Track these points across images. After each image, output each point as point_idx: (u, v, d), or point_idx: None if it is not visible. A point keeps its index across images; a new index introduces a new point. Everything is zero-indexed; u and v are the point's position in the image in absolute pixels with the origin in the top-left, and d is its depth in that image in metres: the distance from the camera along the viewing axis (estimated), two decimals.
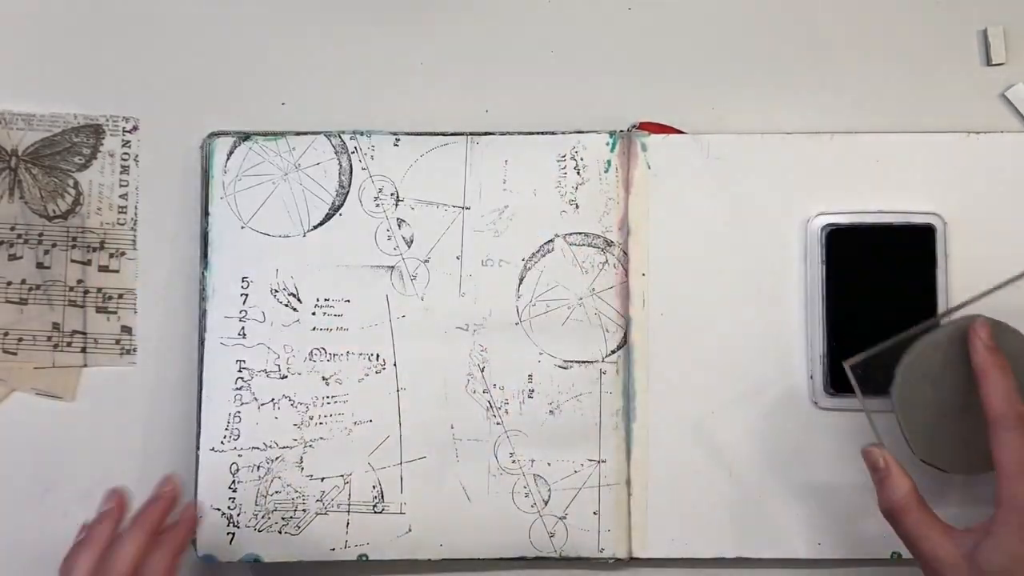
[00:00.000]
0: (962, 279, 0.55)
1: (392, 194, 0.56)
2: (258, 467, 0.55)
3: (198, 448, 0.55)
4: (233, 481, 0.54)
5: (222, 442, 0.55)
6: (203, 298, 0.55)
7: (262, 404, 0.55)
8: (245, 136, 0.56)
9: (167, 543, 0.48)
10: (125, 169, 0.58)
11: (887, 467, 0.48)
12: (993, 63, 0.58)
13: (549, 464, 0.55)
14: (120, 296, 0.57)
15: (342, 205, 0.56)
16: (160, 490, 0.50)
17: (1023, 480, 0.46)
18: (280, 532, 0.55)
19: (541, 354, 0.55)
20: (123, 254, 0.57)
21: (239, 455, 0.55)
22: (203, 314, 0.55)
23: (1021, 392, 0.48)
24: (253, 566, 0.55)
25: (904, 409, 0.50)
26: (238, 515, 0.54)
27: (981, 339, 0.49)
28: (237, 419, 0.55)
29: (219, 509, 0.54)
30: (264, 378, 0.55)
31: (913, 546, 0.48)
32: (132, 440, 0.56)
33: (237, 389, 0.55)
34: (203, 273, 0.56)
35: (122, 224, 0.58)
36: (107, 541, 0.47)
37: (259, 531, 0.54)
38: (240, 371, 0.55)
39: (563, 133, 0.56)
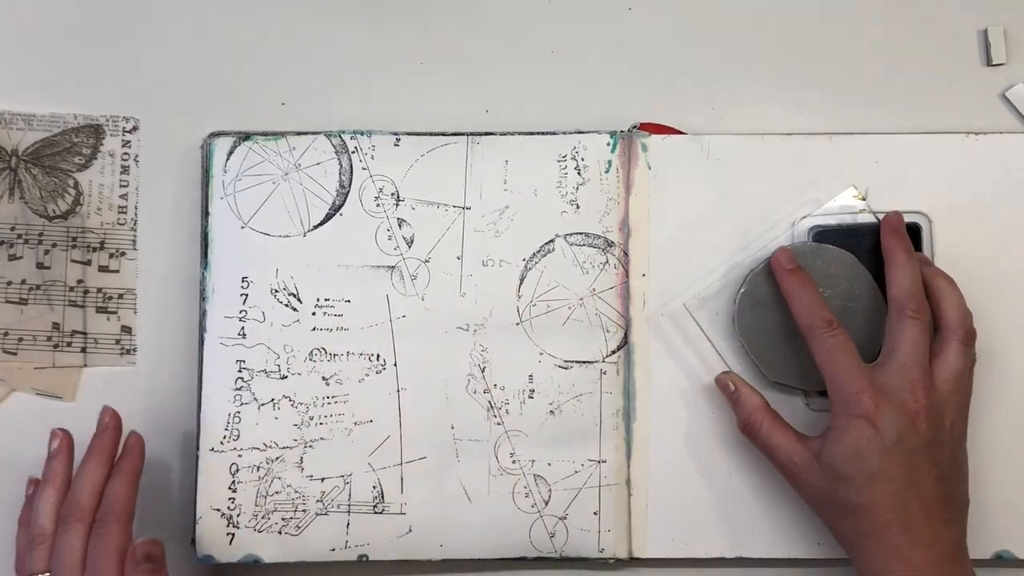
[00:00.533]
0: (965, 277, 0.55)
1: (392, 194, 0.56)
2: (258, 467, 0.55)
3: (198, 448, 0.55)
4: (233, 481, 0.54)
5: (222, 442, 0.55)
6: (203, 298, 0.56)
7: (262, 404, 0.55)
8: (245, 136, 0.56)
9: (123, 470, 0.51)
10: (125, 169, 0.58)
11: (736, 388, 0.53)
12: (993, 63, 0.58)
13: (549, 464, 0.55)
14: (120, 296, 0.57)
15: (342, 205, 0.56)
16: (103, 420, 0.53)
17: (842, 380, 0.49)
18: (280, 533, 0.55)
19: (542, 354, 0.56)
20: (123, 254, 0.57)
21: (239, 455, 0.55)
22: (203, 314, 0.55)
23: (849, 298, 0.53)
24: (253, 567, 0.55)
25: (747, 335, 0.55)
26: (238, 516, 0.54)
27: (781, 264, 0.53)
28: (237, 419, 0.55)
29: (219, 510, 0.54)
30: (264, 378, 0.55)
31: (770, 455, 0.52)
32: None
33: (237, 389, 0.55)
34: (203, 273, 0.56)
35: (122, 224, 0.58)
36: (65, 476, 0.52)
37: (259, 532, 0.55)
38: (240, 371, 0.55)
39: (563, 133, 0.56)
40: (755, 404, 0.52)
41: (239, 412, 0.55)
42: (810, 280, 0.52)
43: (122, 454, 0.52)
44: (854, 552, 0.49)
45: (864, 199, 0.55)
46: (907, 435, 0.48)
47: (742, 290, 0.55)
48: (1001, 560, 0.55)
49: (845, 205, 0.55)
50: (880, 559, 0.48)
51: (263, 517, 0.55)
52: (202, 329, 0.56)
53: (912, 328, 0.50)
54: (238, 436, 0.55)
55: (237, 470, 0.55)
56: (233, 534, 0.54)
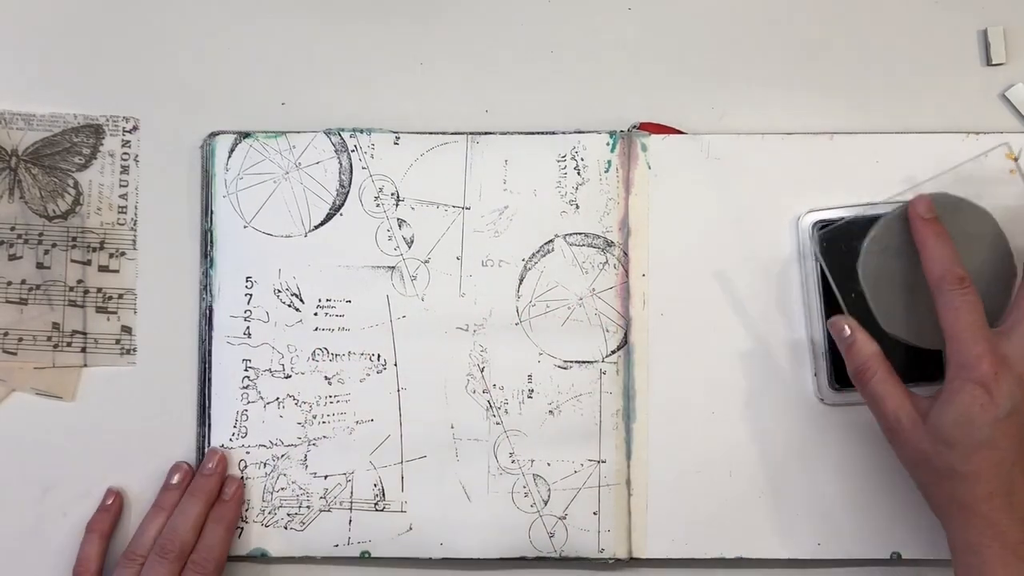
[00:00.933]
0: None
1: (392, 194, 0.56)
2: (265, 464, 0.56)
3: (208, 445, 0.56)
4: (242, 477, 0.55)
5: (231, 439, 0.56)
6: (209, 296, 0.56)
7: (268, 403, 0.56)
8: (246, 134, 0.56)
9: (225, 518, 0.54)
10: (125, 169, 0.58)
11: (852, 333, 0.51)
12: (993, 63, 0.58)
13: (549, 464, 0.55)
14: (120, 296, 0.57)
15: (343, 205, 0.56)
16: (209, 464, 0.55)
17: (964, 340, 0.47)
18: (286, 528, 0.55)
19: (541, 354, 0.56)
20: (123, 254, 0.58)
21: (247, 452, 0.55)
22: (209, 312, 0.56)
23: (980, 260, 0.51)
24: (261, 559, 0.56)
25: (870, 281, 0.52)
26: (246, 510, 0.56)
27: (918, 212, 0.50)
28: (244, 417, 0.56)
29: None
30: (269, 377, 0.56)
31: (876, 406, 0.50)
32: (132, 440, 0.57)
33: (244, 388, 0.56)
34: (208, 271, 0.56)
35: (122, 224, 0.58)
36: (172, 507, 0.54)
37: (266, 526, 0.55)
38: (247, 370, 0.56)
39: (563, 133, 0.57)
40: (870, 351, 0.50)
41: (246, 410, 0.56)
42: (946, 232, 0.50)
43: (225, 502, 0.54)
44: (948, 521, 0.48)
45: (1016, 159, 0.53)
46: (1023, 407, 0.46)
47: (872, 234, 0.52)
48: None
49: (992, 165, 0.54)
50: (976, 531, 0.46)
51: (270, 512, 0.55)
52: (203, 328, 0.56)
53: None
54: (246, 433, 0.56)
55: (245, 466, 0.56)
56: (242, 528, 0.55)
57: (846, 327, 0.51)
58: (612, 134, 0.57)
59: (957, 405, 0.46)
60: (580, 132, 0.57)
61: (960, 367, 0.47)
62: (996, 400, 0.46)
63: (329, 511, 0.55)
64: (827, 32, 0.59)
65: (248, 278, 0.56)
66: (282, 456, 0.56)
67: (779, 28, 0.59)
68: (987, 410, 0.46)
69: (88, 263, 0.58)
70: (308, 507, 0.55)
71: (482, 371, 0.56)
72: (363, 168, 0.57)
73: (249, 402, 0.56)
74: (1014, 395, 0.46)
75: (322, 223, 0.56)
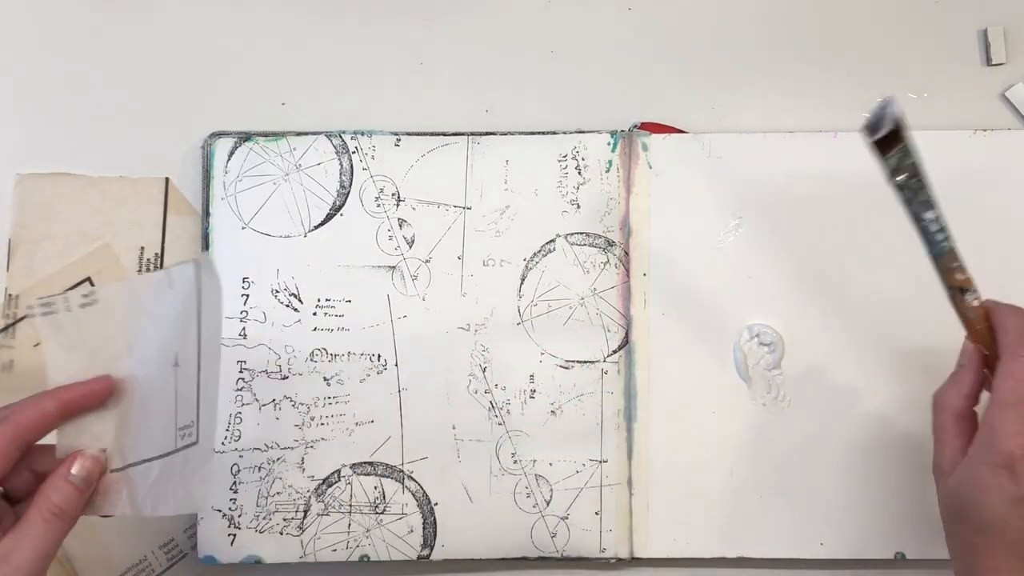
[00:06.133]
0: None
1: (393, 194, 0.58)
2: (259, 468, 0.57)
3: None
4: (234, 482, 0.57)
5: (223, 443, 0.57)
6: None
7: (263, 405, 0.57)
8: (246, 136, 0.58)
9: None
10: None
11: (966, 367, 0.49)
12: (993, 63, 0.60)
13: (551, 464, 0.57)
14: None
15: (343, 205, 0.58)
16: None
17: (1007, 411, 0.45)
18: (281, 533, 0.57)
19: (543, 354, 0.58)
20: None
21: (240, 456, 0.57)
22: None
23: None
24: (254, 567, 0.57)
25: None
26: (239, 516, 0.57)
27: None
28: (238, 420, 0.57)
29: (220, 510, 0.57)
30: (265, 379, 0.57)
31: (934, 445, 0.48)
32: None
33: (238, 390, 0.57)
34: None
35: None
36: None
37: (260, 532, 0.57)
38: (241, 372, 0.57)
39: (564, 133, 0.59)
40: (965, 392, 0.48)
41: (240, 412, 0.57)
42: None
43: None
44: (958, 569, 0.47)
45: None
46: None
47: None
48: None
49: None
50: None
51: (264, 518, 0.57)
52: None
53: None
54: (239, 436, 0.57)
55: (238, 471, 0.57)
56: (235, 535, 0.57)
57: (967, 356, 0.49)
58: (613, 134, 0.59)
59: (975, 483, 0.45)
60: (581, 132, 0.59)
61: (991, 438, 0.45)
62: (1018, 480, 0.44)
63: (327, 515, 0.57)
64: (828, 31, 0.61)
65: (245, 279, 0.58)
66: (278, 459, 0.57)
67: (779, 27, 0.61)
68: (1005, 490, 0.44)
69: None
70: (305, 511, 0.57)
71: (484, 371, 0.58)
72: (364, 169, 0.58)
73: (243, 404, 0.57)
74: None
75: (322, 223, 0.58)
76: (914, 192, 0.48)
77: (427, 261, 0.58)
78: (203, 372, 0.46)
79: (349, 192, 0.58)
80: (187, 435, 0.46)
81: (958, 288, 0.48)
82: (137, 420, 0.47)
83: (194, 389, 0.46)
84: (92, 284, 0.58)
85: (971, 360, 0.49)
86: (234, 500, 0.57)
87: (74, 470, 0.46)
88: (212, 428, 0.46)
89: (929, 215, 0.48)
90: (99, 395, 0.47)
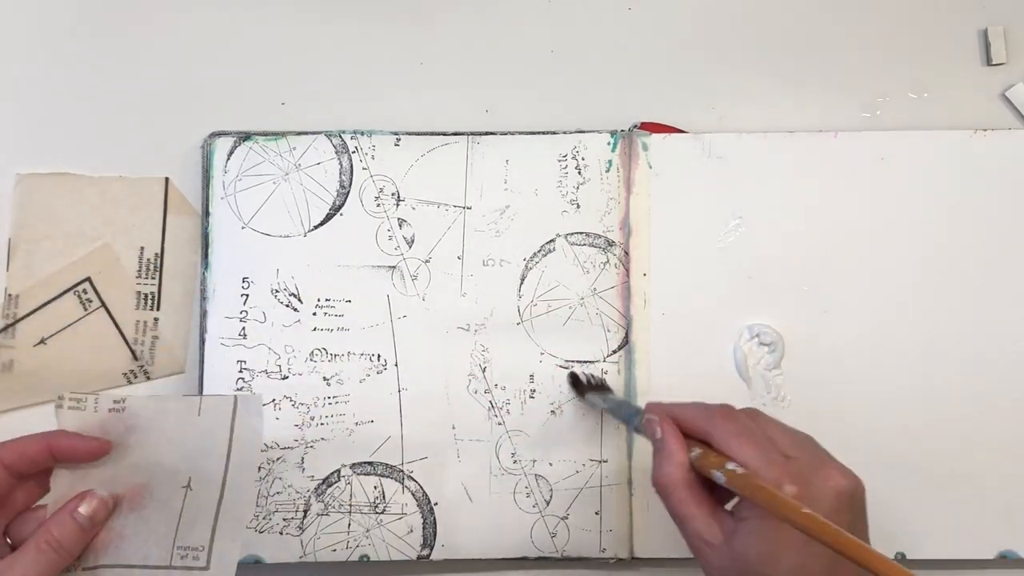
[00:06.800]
0: (965, 276, 0.58)
1: (393, 194, 0.59)
2: (259, 468, 0.57)
3: None
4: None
5: None
6: (203, 298, 0.58)
7: (263, 405, 0.57)
8: (246, 136, 0.59)
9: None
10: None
11: (663, 439, 0.47)
12: (993, 63, 0.61)
13: (551, 464, 0.58)
14: None
15: (343, 205, 0.58)
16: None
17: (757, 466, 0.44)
18: (281, 533, 0.57)
19: (542, 354, 0.58)
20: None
21: None
22: (203, 314, 0.58)
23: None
24: (254, 567, 0.57)
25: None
26: None
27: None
28: None
29: None
30: (265, 379, 0.58)
31: (679, 525, 0.46)
32: None
33: (238, 390, 0.57)
34: (203, 273, 0.58)
35: None
36: None
37: (260, 532, 0.57)
38: (241, 372, 0.58)
39: (564, 133, 0.59)
40: (676, 463, 0.46)
41: None
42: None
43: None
44: None
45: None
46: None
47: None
48: (1005, 560, 0.57)
49: None
50: None
51: (264, 518, 0.57)
52: (203, 329, 0.58)
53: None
54: None
55: None
56: None
57: (659, 430, 0.47)
58: (613, 133, 0.59)
59: (764, 535, 0.43)
60: (581, 132, 0.59)
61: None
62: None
63: (327, 515, 0.57)
64: (828, 31, 0.61)
65: (245, 279, 0.58)
66: (277, 459, 0.57)
67: (780, 27, 0.61)
68: (795, 534, 0.41)
69: None
70: (305, 511, 0.57)
71: (483, 371, 0.58)
72: (364, 169, 0.59)
73: None
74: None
75: (322, 223, 0.59)
76: (617, 404, 0.55)
77: (427, 261, 0.58)
78: (226, 502, 0.47)
79: (349, 192, 0.59)
80: (192, 557, 0.47)
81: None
82: (127, 524, 0.47)
83: (211, 515, 0.47)
84: (92, 284, 0.58)
85: (667, 430, 0.47)
86: None
87: (82, 508, 0.46)
88: (232, 557, 0.46)
89: (632, 415, 0.52)
90: (94, 451, 0.47)
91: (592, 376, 0.57)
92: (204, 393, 0.56)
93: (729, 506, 0.46)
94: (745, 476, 0.43)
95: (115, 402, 0.48)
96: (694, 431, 0.47)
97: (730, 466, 0.44)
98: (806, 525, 0.40)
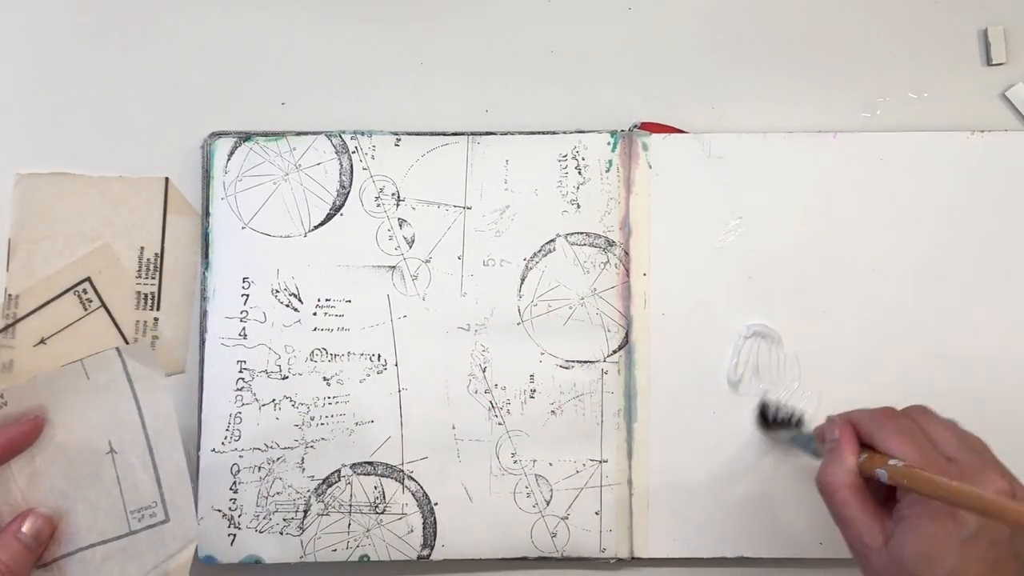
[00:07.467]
0: (965, 277, 0.58)
1: (393, 194, 0.59)
2: (259, 468, 0.57)
3: (199, 449, 0.57)
4: (234, 482, 0.57)
5: (223, 443, 0.57)
6: (204, 298, 0.58)
7: (263, 405, 0.58)
8: (246, 136, 0.59)
9: None
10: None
11: (838, 440, 0.49)
12: (993, 63, 0.61)
13: (551, 464, 0.58)
14: None
15: (343, 205, 0.59)
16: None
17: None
18: (281, 533, 0.57)
19: (543, 354, 0.58)
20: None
21: (240, 456, 0.57)
22: (203, 314, 0.58)
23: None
24: (254, 567, 0.57)
25: None
26: (239, 516, 0.57)
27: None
28: (238, 420, 0.57)
29: (220, 510, 0.57)
30: (265, 379, 0.58)
31: (841, 527, 0.48)
32: None
33: (238, 390, 0.58)
34: (204, 273, 0.58)
35: None
36: None
37: (260, 532, 0.57)
38: (241, 372, 0.58)
39: (564, 133, 0.59)
40: (847, 467, 0.48)
41: (240, 412, 0.57)
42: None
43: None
44: None
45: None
46: (990, 523, 0.43)
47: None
48: None
49: None
50: None
51: (264, 518, 0.57)
52: (203, 329, 0.58)
53: None
54: (239, 437, 0.57)
55: (238, 471, 0.57)
56: (235, 535, 0.57)
57: (837, 431, 0.49)
58: (613, 133, 0.59)
59: (920, 534, 0.44)
60: (581, 132, 0.59)
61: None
62: (961, 521, 0.43)
63: (327, 515, 0.57)
64: (828, 31, 0.61)
65: (245, 279, 0.58)
66: (278, 459, 0.57)
67: (780, 27, 0.61)
68: (952, 535, 0.43)
69: None
70: (305, 511, 0.57)
71: (484, 371, 0.58)
72: (364, 169, 0.59)
73: (243, 404, 0.58)
74: (982, 519, 0.43)
75: (322, 223, 0.59)
76: (806, 438, 0.55)
77: (427, 261, 0.59)
78: (158, 453, 0.46)
79: (349, 192, 0.59)
80: (149, 515, 0.46)
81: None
82: (64, 512, 0.47)
83: (149, 470, 0.46)
84: (92, 284, 0.59)
85: (843, 432, 0.49)
86: (234, 500, 0.57)
87: (24, 528, 0.46)
88: (189, 504, 0.46)
89: (809, 440, 0.54)
90: (31, 433, 0.47)
91: (780, 410, 0.57)
92: (85, 360, 0.51)
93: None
94: (905, 468, 0.45)
95: None
96: (862, 436, 0.48)
97: (891, 462, 0.45)
98: (966, 499, 0.41)
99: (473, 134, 0.59)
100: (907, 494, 0.45)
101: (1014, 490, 0.44)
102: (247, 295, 0.58)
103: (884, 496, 0.47)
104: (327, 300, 0.58)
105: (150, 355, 0.48)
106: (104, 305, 0.59)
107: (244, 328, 0.58)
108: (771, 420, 0.57)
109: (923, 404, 0.49)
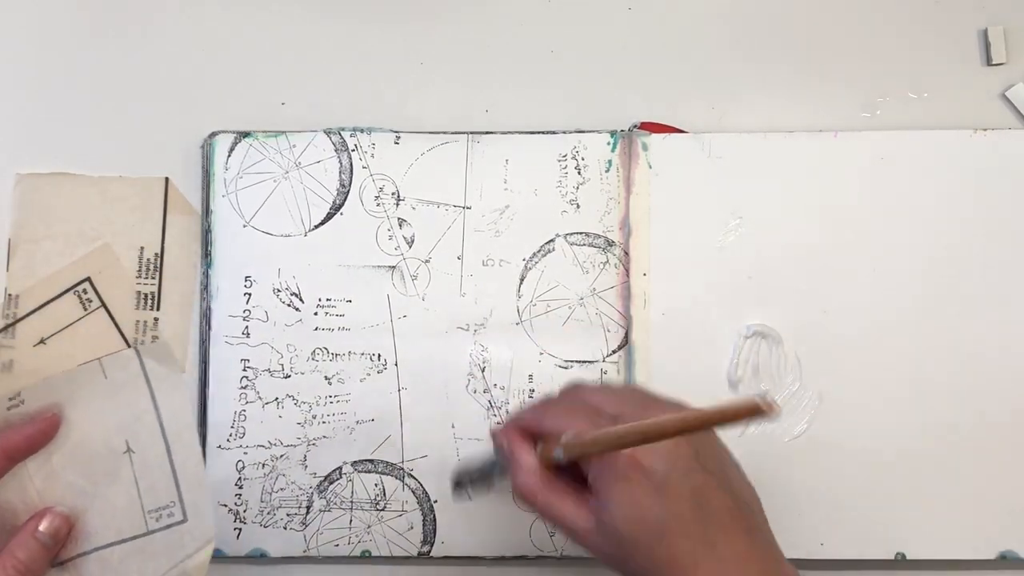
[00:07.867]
0: (966, 276, 0.58)
1: (393, 193, 0.59)
2: (263, 465, 0.58)
3: (205, 446, 0.58)
4: (239, 478, 0.58)
5: (228, 440, 0.58)
6: (208, 296, 0.58)
7: (267, 403, 0.58)
8: (245, 133, 0.59)
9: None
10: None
11: (510, 449, 0.47)
12: (993, 63, 0.61)
13: None
14: None
15: (343, 204, 0.59)
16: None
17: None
18: (285, 528, 0.58)
19: (542, 354, 0.58)
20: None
21: (245, 453, 0.58)
22: (208, 312, 0.58)
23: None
24: (260, 560, 0.58)
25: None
26: (244, 511, 0.58)
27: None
28: (243, 417, 0.58)
29: (226, 505, 0.58)
30: (268, 377, 0.58)
31: (555, 526, 0.46)
32: None
33: (242, 388, 0.58)
34: (206, 271, 0.58)
35: None
36: None
37: (265, 527, 0.58)
38: (245, 370, 0.58)
39: (564, 133, 0.59)
40: (528, 466, 0.46)
41: (244, 410, 0.58)
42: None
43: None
44: None
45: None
46: (672, 458, 0.43)
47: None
48: (1005, 560, 0.57)
49: None
50: None
51: (269, 513, 0.58)
52: (204, 328, 0.58)
53: None
54: (244, 434, 0.58)
55: (243, 467, 0.58)
56: (240, 529, 0.58)
57: (505, 442, 0.48)
58: (613, 133, 0.59)
59: (618, 500, 0.43)
60: (580, 132, 0.59)
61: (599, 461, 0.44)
62: (647, 469, 0.43)
63: (329, 511, 0.58)
64: (828, 31, 0.61)
65: (247, 277, 0.59)
66: (281, 456, 0.58)
67: (780, 27, 0.61)
68: (645, 486, 0.42)
69: None
70: (308, 507, 0.58)
71: (483, 371, 0.58)
72: (363, 167, 0.59)
73: (247, 402, 0.58)
74: (664, 457, 0.43)
75: (322, 222, 0.59)
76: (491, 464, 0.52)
77: (427, 261, 0.59)
78: (176, 453, 0.47)
79: (349, 191, 0.59)
80: (167, 515, 0.47)
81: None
82: (81, 511, 0.47)
83: (167, 470, 0.47)
84: (92, 284, 0.59)
85: (511, 437, 0.48)
86: (239, 496, 0.58)
87: (42, 527, 0.46)
88: (207, 505, 0.47)
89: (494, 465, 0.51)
90: (47, 431, 0.47)
91: (471, 473, 0.53)
92: (103, 360, 0.51)
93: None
94: (574, 438, 0.44)
95: (10, 399, 0.47)
96: (533, 432, 0.47)
97: (563, 439, 0.45)
98: (633, 434, 0.42)
99: (473, 133, 0.59)
100: (592, 466, 0.45)
101: (682, 409, 0.44)
102: (249, 294, 0.59)
103: (584, 480, 0.46)
104: (328, 300, 0.59)
105: (169, 355, 0.48)
106: (104, 305, 0.59)
107: (247, 327, 0.58)
108: (467, 484, 0.54)
109: (575, 380, 0.50)
